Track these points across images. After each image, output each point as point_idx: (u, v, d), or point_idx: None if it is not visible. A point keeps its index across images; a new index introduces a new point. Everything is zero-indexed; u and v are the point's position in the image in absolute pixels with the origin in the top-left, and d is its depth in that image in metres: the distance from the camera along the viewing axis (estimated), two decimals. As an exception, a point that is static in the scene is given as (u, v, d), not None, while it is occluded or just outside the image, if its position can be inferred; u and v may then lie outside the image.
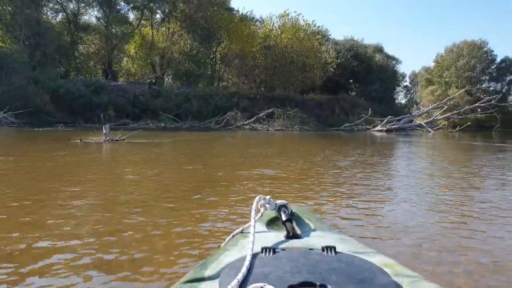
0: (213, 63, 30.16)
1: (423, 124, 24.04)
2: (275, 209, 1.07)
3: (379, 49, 39.77)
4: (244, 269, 0.71)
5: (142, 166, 5.83)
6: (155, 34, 28.85)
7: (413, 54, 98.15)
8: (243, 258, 0.77)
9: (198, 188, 4.09)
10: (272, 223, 1.05)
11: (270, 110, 22.65)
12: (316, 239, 0.90)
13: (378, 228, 2.75)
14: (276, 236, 0.93)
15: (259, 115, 22.22)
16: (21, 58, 21.34)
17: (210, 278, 0.73)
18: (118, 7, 27.79)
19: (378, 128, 22.94)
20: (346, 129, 23.31)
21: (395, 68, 40.82)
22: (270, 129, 21.07)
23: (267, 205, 1.06)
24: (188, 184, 4.36)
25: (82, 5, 26.82)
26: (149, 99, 22.40)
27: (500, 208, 3.39)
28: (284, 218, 1.00)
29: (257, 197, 1.05)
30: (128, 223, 2.71)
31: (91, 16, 28.22)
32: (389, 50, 52.44)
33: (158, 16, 29.53)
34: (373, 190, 4.18)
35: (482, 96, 32.83)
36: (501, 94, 29.75)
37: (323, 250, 0.81)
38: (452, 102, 26.69)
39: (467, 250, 2.32)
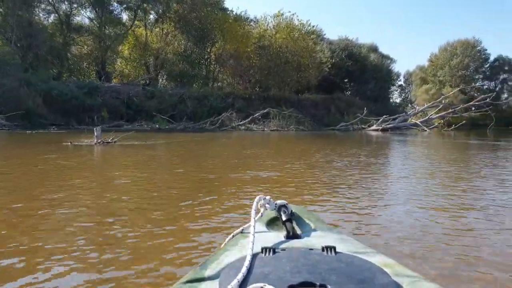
0: (208, 63, 30.03)
1: (418, 123, 24.08)
2: (275, 209, 1.07)
3: (373, 49, 39.87)
4: (244, 269, 0.71)
5: (132, 169, 5.69)
6: (148, 35, 28.67)
7: (407, 54, 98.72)
8: (243, 258, 0.77)
9: (190, 194, 3.97)
10: (272, 223, 1.05)
11: (266, 111, 22.56)
12: (316, 239, 0.90)
13: (378, 228, 2.67)
14: (276, 236, 0.93)
15: (254, 116, 22.12)
16: (13, 60, 21.11)
17: (210, 278, 0.73)
18: (111, 8, 27.57)
19: (374, 127, 22.93)
20: (342, 128, 23.29)
21: (390, 67, 40.97)
22: (265, 129, 20.97)
23: (267, 205, 1.07)
24: (179, 189, 4.23)
25: (75, 6, 26.58)
26: (143, 100, 22.23)
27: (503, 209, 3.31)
28: (284, 218, 1.00)
29: (257, 197, 1.05)
30: (112, 234, 2.58)
31: (84, 17, 28.00)
32: (383, 50, 52.54)
33: (151, 16, 29.38)
34: (371, 191, 4.09)
35: (476, 94, 32.97)
36: (495, 93, 29.88)
37: (323, 250, 0.81)
38: (447, 101, 26.77)
39: (467, 250, 2.24)
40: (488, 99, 23.95)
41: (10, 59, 20.89)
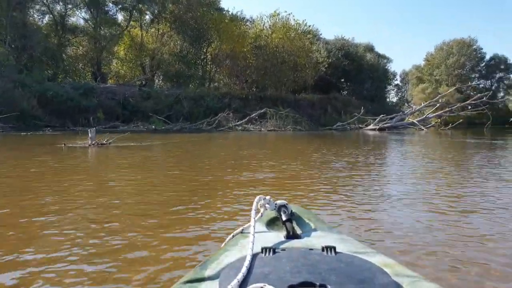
0: (204, 63, 29.94)
1: (415, 122, 24.10)
2: (275, 209, 1.07)
3: (369, 48, 39.94)
4: (244, 269, 0.71)
5: (126, 171, 5.59)
6: (144, 35, 28.54)
7: (403, 54, 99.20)
8: (243, 258, 0.77)
9: (185, 196, 3.88)
10: (272, 223, 1.05)
11: (262, 111, 22.50)
12: (316, 239, 0.90)
13: (377, 228, 2.61)
14: (276, 236, 0.93)
15: (251, 116, 22.05)
16: (7, 61, 20.93)
17: (210, 278, 0.73)
18: (106, 8, 27.44)
19: (371, 127, 22.92)
20: (339, 128, 23.27)
21: (386, 67, 41.07)
22: (262, 129, 20.90)
23: (267, 205, 1.06)
24: (175, 191, 4.15)
25: (69, 6, 26.43)
26: (139, 101, 22.11)
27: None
28: (284, 218, 1.00)
29: (257, 197, 1.05)
30: (105, 240, 2.49)
31: (79, 17, 27.87)
32: (379, 50, 52.57)
33: (147, 17, 29.28)
34: (370, 190, 4.03)
35: (472, 93, 33.08)
36: (491, 92, 29.99)
37: (323, 250, 0.81)
38: (443, 100, 26.84)
39: (468, 248, 2.18)
40: (484, 98, 24.02)
41: (4, 60, 20.72)
